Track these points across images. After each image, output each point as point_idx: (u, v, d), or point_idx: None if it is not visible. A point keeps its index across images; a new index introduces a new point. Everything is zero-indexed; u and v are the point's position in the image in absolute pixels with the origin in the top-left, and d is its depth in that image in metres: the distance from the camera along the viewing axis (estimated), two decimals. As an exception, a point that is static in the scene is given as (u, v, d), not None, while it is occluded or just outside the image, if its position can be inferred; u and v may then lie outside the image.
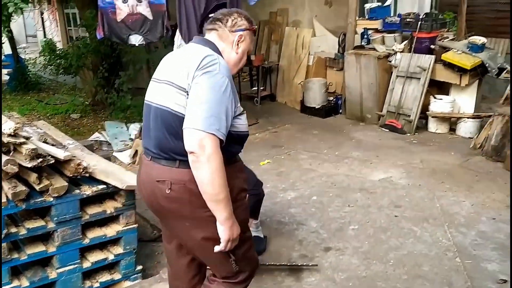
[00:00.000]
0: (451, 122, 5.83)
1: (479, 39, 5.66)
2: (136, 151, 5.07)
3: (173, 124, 1.74)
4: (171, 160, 1.79)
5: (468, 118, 5.60)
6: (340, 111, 6.82)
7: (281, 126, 6.35)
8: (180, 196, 1.78)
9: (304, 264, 3.05)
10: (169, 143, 1.77)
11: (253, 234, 3.26)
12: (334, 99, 6.89)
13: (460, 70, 5.51)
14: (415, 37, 6.04)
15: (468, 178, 4.42)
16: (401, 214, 3.72)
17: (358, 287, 2.75)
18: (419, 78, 5.76)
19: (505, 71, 5.98)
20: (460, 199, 3.96)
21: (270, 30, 7.92)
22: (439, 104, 5.75)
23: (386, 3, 8.40)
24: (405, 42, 6.25)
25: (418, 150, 5.19)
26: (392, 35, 6.53)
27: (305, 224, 3.60)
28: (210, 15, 4.87)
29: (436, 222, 3.59)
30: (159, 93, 1.82)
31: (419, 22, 6.08)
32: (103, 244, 2.72)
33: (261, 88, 7.58)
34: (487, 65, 5.49)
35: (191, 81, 1.71)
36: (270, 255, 3.19)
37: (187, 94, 1.71)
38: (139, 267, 2.86)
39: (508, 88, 5.00)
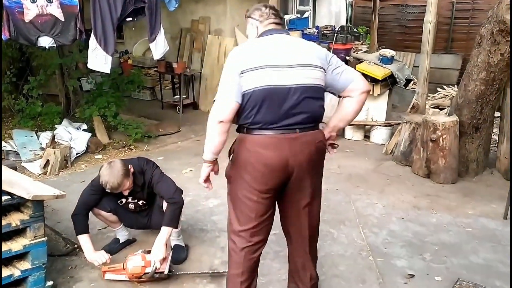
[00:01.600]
0: (366, 129, 6.18)
1: (389, 52, 6.07)
2: (48, 161, 4.76)
3: (321, 95, 2.21)
4: (316, 125, 2.25)
5: (380, 125, 5.97)
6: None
7: (204, 134, 6.17)
8: (324, 149, 2.34)
9: (226, 271, 3.03)
10: (320, 111, 2.23)
11: (174, 243, 3.21)
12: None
13: (373, 81, 5.87)
14: (332, 48, 6.34)
15: (381, 181, 4.69)
16: (320, 218, 3.83)
17: (278, 290, 2.79)
18: (336, 88, 6.02)
19: (411, 82, 6.46)
20: (373, 202, 4.19)
21: (192, 38, 7.89)
22: (354, 113, 6.05)
23: (305, 15, 8.76)
24: (323, 53, 6.52)
25: (335, 156, 5.31)
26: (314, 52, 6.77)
27: (227, 231, 3.59)
28: (128, 19, 4.75)
29: (351, 224, 3.76)
30: (296, 75, 2.12)
31: (336, 34, 6.41)
32: (8, 260, 2.50)
33: (184, 96, 7.50)
34: (396, 76, 5.90)
35: (328, 60, 2.23)
36: (191, 263, 3.14)
37: (324, 71, 2.20)
38: (49, 283, 2.67)
39: (415, 97, 5.40)
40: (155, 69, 8.09)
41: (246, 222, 2.27)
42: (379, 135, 5.99)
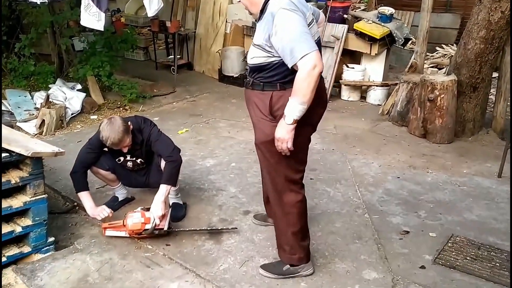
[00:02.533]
0: (362, 90, 6.15)
1: (388, 9, 5.96)
2: (43, 121, 4.72)
3: None
4: None
5: (377, 86, 5.94)
6: (258, 79, 6.84)
7: (199, 95, 6.26)
8: None
9: (224, 227, 3.08)
10: None
11: (172, 201, 3.24)
12: (252, 68, 6.89)
13: (371, 40, 5.78)
14: (329, 7, 6.20)
15: (377, 141, 4.72)
16: (316, 176, 3.88)
17: (275, 245, 2.84)
18: (333, 47, 5.96)
19: (410, 42, 6.38)
20: (369, 161, 4.22)
21: (186, -5, 7.66)
22: (351, 73, 6.02)
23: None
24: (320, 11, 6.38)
25: (332, 117, 5.41)
26: (308, 3, 6.63)
27: (224, 190, 3.63)
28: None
29: (347, 182, 3.80)
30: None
31: (333, -8, 6.23)
32: (9, 216, 2.52)
33: (178, 56, 7.37)
34: (394, 34, 5.81)
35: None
36: (190, 220, 3.19)
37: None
38: (51, 239, 2.71)
39: (413, 56, 5.34)
40: (148, 28, 7.91)
41: (302, 167, 2.48)
42: (375, 96, 5.97)
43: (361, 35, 5.83)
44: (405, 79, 5.11)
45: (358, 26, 5.79)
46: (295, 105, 2.11)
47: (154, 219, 2.82)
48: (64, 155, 2.77)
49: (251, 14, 2.37)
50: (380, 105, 5.76)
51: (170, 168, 2.93)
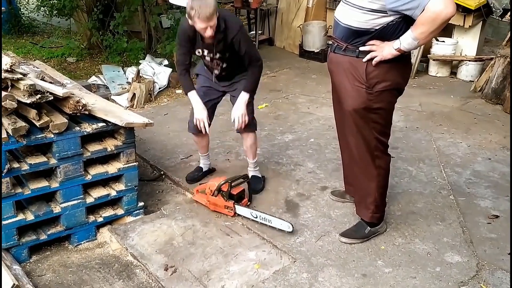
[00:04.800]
0: (452, 65, 5.76)
1: (485, -22, 5.47)
2: (134, 95, 5.04)
3: None
4: None
5: (470, 61, 5.53)
6: (340, 54, 6.70)
7: (279, 70, 6.27)
8: None
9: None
10: None
11: (251, 174, 3.33)
12: (334, 43, 6.75)
13: (465, 11, 5.37)
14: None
15: (467, 120, 4.44)
16: (397, 155, 3.75)
17: (353, 222, 2.83)
18: (421, 20, 5.62)
19: (509, 13, 5.83)
20: (457, 141, 4.00)
21: (269, -30, 7.63)
22: (441, 47, 5.66)
23: None
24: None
25: (417, 94, 5.16)
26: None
27: (302, 165, 3.65)
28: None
29: (432, 162, 3.64)
30: None
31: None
32: (105, 181, 2.77)
33: (259, 32, 7.41)
34: (491, 5, 5.34)
35: None
36: (268, 194, 3.26)
37: None
38: (141, 204, 2.93)
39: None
40: (232, 4, 8.01)
41: (389, 130, 2.59)
42: (467, 71, 5.58)
43: (456, 4, 5.42)
44: (502, 53, 4.71)
45: (450, -5, 5.39)
46: (408, 37, 2.16)
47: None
48: (153, 127, 2.96)
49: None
50: (472, 81, 5.38)
51: (255, 74, 2.98)
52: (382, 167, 2.60)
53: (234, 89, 3.12)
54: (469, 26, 5.46)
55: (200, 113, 3.00)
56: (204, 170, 3.49)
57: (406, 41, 2.17)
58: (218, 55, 2.92)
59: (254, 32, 7.41)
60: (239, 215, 2.93)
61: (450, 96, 5.09)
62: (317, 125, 4.44)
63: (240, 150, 3.89)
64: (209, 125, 3.10)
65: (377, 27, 2.23)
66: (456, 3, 5.40)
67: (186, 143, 4.03)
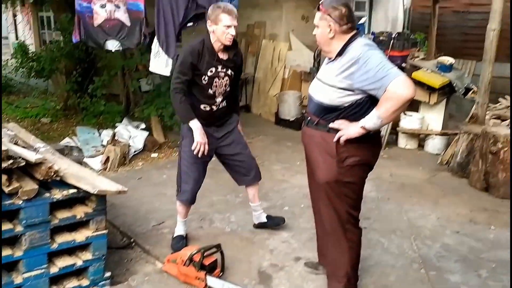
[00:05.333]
0: (420, 138, 6.01)
1: (448, 60, 5.89)
2: (108, 158, 5.01)
3: None
4: None
5: (436, 135, 5.79)
6: (314, 124, 6.92)
7: (255, 137, 6.40)
8: None
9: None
10: None
11: (264, 216, 3.59)
12: (308, 112, 6.98)
13: (429, 89, 5.71)
14: (388, 55, 6.22)
15: (435, 192, 4.56)
16: (369, 226, 3.79)
17: (326, 296, 2.79)
18: (390, 95, 5.91)
19: (471, 91, 6.22)
20: (426, 213, 4.08)
21: (247, 42, 8.01)
22: (409, 121, 5.93)
23: (361, 21, 8.60)
24: (378, 59, 6.43)
25: (388, 165, 5.31)
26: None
27: (276, 234, 3.63)
28: (188, 24, 4.91)
29: (403, 234, 3.68)
30: None
31: (392, 41, 6.27)
32: (71, 250, 2.68)
33: (237, 99, 7.62)
34: (454, 84, 5.71)
35: None
36: (240, 263, 3.20)
37: None
38: (108, 274, 2.82)
39: (474, 107, 5.20)
40: (210, 72, 8.28)
41: (360, 203, 2.65)
42: (434, 145, 5.81)
43: (419, 84, 5.77)
44: (465, 129, 4.96)
45: (416, 75, 5.75)
46: (373, 116, 2.26)
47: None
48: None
49: (324, 52, 2.50)
50: (439, 154, 5.60)
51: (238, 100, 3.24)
52: (354, 240, 2.63)
53: (224, 136, 3.28)
54: (434, 102, 5.78)
55: (202, 137, 3.02)
56: (184, 236, 3.41)
57: (371, 120, 2.28)
58: (230, 71, 3.09)
59: (231, 99, 7.61)
60: (210, 287, 2.85)
61: (419, 168, 5.26)
62: (291, 193, 4.48)
63: (213, 217, 3.86)
64: (198, 188, 3.21)
65: (346, 105, 2.35)
66: (421, 82, 5.77)
67: (159, 209, 3.97)
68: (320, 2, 2.40)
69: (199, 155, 3.03)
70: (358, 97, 2.33)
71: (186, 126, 3.12)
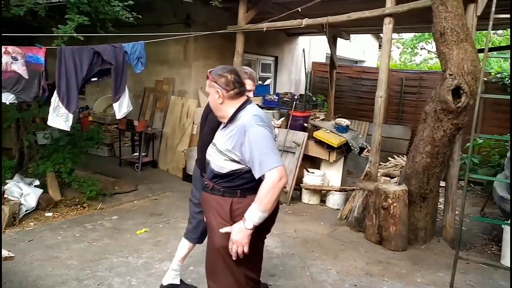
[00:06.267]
0: (322, 194, 6.34)
1: (344, 121, 6.41)
2: None
3: None
4: None
5: (335, 191, 6.15)
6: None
7: (161, 193, 6.26)
8: None
9: None
10: None
11: None
12: (216, 168, 7.06)
13: (329, 147, 6.12)
14: (291, 115, 6.61)
15: (335, 247, 4.77)
16: (274, 283, 3.83)
17: None
18: (294, 153, 6.24)
19: (365, 150, 6.78)
20: (327, 267, 4.23)
21: (156, 97, 8.02)
22: (311, 177, 6.25)
23: (266, 82, 9.15)
24: (282, 118, 6.82)
25: (292, 220, 5.49)
26: (271, 111, 7.09)
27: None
28: (93, 79, 4.82)
29: (306, 290, 3.76)
30: None
31: (295, 102, 6.71)
32: None
33: (143, 154, 7.48)
34: (350, 144, 6.19)
35: None
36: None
37: None
38: None
39: (368, 165, 5.65)
40: (116, 126, 8.09)
41: (259, 265, 2.69)
42: (334, 200, 6.16)
43: (320, 142, 6.18)
44: (361, 186, 5.34)
45: (317, 134, 6.15)
46: (257, 212, 2.23)
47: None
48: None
49: (218, 118, 2.57)
50: (339, 209, 5.93)
51: None
52: None
53: None
54: (333, 160, 6.20)
55: None
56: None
57: (255, 216, 2.24)
58: None
59: (137, 153, 7.45)
60: None
61: (321, 223, 5.49)
62: (197, 251, 4.37)
63: (113, 281, 3.63)
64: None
65: (231, 171, 2.41)
66: (322, 141, 6.15)
67: (51, 274, 3.65)
68: (209, 71, 2.55)
69: None
70: (243, 166, 2.38)
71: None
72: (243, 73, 3.13)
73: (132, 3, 5.34)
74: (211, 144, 2.56)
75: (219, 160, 2.42)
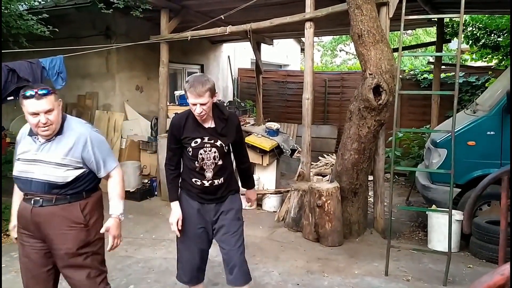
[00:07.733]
0: (258, 198, 6.41)
1: (274, 125, 6.55)
2: None
3: None
4: None
5: (271, 194, 6.26)
6: (156, 193, 6.84)
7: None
8: None
9: None
10: None
11: None
12: (149, 182, 6.90)
13: (262, 152, 6.22)
14: (221, 122, 6.62)
15: (275, 248, 4.85)
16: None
17: None
18: (227, 159, 6.26)
19: (296, 151, 6.97)
20: (269, 270, 4.29)
21: (79, 113, 7.65)
22: (246, 182, 6.29)
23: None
24: (213, 126, 6.81)
25: (230, 227, 5.48)
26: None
27: None
28: (9, 98, 4.52)
29: (250, 295, 3.78)
30: None
31: (224, 109, 6.73)
32: None
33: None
34: (282, 146, 6.33)
35: None
36: None
37: None
38: None
39: (300, 166, 5.82)
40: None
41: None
42: (270, 203, 6.26)
43: (252, 147, 6.25)
44: (295, 187, 5.49)
45: (249, 139, 6.22)
46: (120, 204, 2.68)
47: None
48: None
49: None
50: (276, 211, 6.03)
51: (251, 169, 3.31)
52: None
53: (218, 219, 3.12)
54: (267, 164, 6.30)
55: (174, 218, 2.96)
56: None
57: (120, 206, 2.69)
58: (219, 142, 2.87)
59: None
60: None
61: (260, 227, 5.56)
62: (136, 269, 4.26)
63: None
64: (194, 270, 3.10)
65: (71, 178, 2.53)
66: (254, 146, 6.23)
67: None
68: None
69: (176, 233, 2.99)
70: (84, 169, 2.58)
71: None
72: (186, 82, 3.03)
73: (47, 15, 5.08)
74: (27, 162, 2.53)
75: (57, 171, 2.50)
